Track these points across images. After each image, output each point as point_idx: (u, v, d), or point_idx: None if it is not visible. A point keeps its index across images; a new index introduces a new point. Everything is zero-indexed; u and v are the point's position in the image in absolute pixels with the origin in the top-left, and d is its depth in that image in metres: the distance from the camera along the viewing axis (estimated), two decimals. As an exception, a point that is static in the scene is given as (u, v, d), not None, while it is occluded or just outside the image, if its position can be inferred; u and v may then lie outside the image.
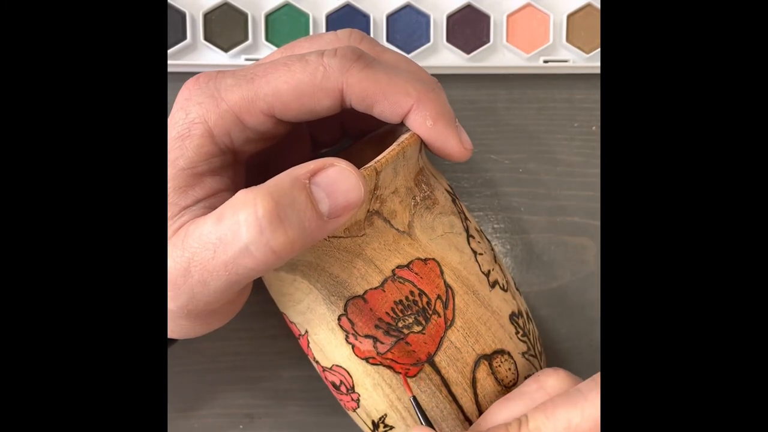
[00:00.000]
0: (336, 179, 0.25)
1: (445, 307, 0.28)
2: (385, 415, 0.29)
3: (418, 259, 0.28)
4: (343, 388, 0.30)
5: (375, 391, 0.29)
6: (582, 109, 0.39)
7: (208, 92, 0.27)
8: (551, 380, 0.27)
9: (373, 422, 0.30)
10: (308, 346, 0.30)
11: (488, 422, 0.27)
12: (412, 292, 0.28)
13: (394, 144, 0.27)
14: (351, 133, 0.34)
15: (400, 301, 0.27)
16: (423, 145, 0.28)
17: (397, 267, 0.27)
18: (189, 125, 0.27)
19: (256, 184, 0.28)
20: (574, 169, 0.39)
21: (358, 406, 0.30)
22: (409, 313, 0.28)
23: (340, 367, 0.29)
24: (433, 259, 0.28)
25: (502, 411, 0.27)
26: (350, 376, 0.29)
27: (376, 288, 0.27)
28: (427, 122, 0.27)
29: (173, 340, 0.31)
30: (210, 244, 0.24)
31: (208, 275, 0.24)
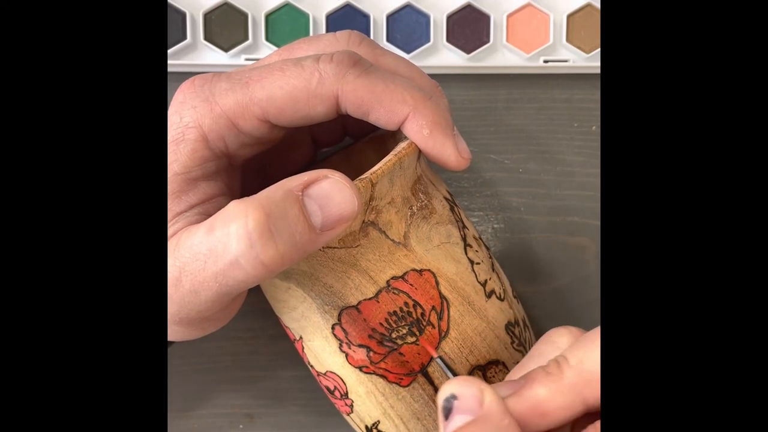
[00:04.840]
0: (329, 192, 0.24)
1: (440, 318, 0.28)
2: (378, 421, 0.29)
3: (414, 270, 0.28)
4: (337, 393, 0.30)
5: (368, 399, 0.29)
6: (582, 109, 0.39)
7: (203, 96, 0.27)
8: (564, 338, 0.26)
9: (366, 427, 0.30)
10: (303, 350, 0.30)
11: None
12: (406, 303, 0.27)
13: (391, 154, 0.27)
14: (352, 133, 0.34)
15: (395, 312, 0.27)
16: (421, 153, 0.28)
17: (392, 278, 0.27)
18: (183, 129, 0.27)
19: (253, 186, 0.28)
20: (574, 169, 0.39)
21: (352, 411, 0.30)
22: (403, 324, 0.27)
23: (334, 373, 0.29)
24: (429, 269, 0.28)
25: (521, 372, 0.26)
26: (344, 383, 0.29)
27: (370, 299, 0.27)
28: (423, 131, 0.27)
29: (170, 343, 0.31)
30: (201, 255, 0.24)
31: (198, 285, 0.24)
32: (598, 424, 0.23)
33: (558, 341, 0.26)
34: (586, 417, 0.24)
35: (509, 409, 0.23)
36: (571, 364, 0.24)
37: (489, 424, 0.22)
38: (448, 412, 0.23)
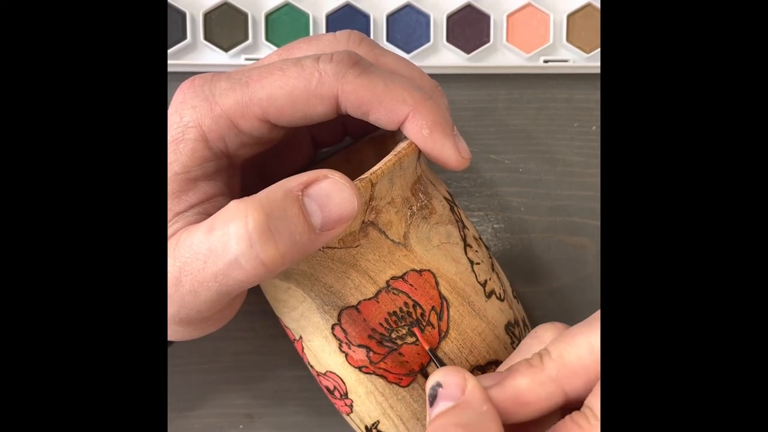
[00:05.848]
0: (329, 192, 0.24)
1: (440, 318, 0.28)
2: (378, 421, 0.29)
3: (413, 270, 0.28)
4: (336, 393, 0.30)
5: (368, 399, 0.29)
6: (582, 109, 0.39)
7: (203, 96, 0.27)
8: (549, 333, 0.27)
9: (366, 427, 0.30)
10: (303, 350, 0.30)
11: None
12: (406, 303, 0.27)
13: (391, 154, 0.27)
14: (352, 133, 0.34)
15: (394, 312, 0.27)
16: (421, 153, 0.28)
17: (392, 278, 0.27)
18: (183, 129, 0.27)
19: (253, 186, 0.28)
20: (574, 169, 0.39)
21: (352, 411, 0.30)
22: (402, 324, 0.27)
23: (334, 373, 0.29)
24: (429, 270, 0.28)
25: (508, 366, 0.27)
26: (344, 383, 0.29)
27: (370, 299, 0.27)
28: (423, 131, 0.27)
29: (170, 343, 0.31)
30: (200, 255, 0.24)
31: (198, 285, 0.24)
32: (575, 414, 0.24)
33: (543, 336, 0.27)
34: (565, 408, 0.25)
35: (491, 398, 0.24)
36: (553, 357, 0.25)
37: (468, 410, 0.24)
38: (433, 399, 0.24)
